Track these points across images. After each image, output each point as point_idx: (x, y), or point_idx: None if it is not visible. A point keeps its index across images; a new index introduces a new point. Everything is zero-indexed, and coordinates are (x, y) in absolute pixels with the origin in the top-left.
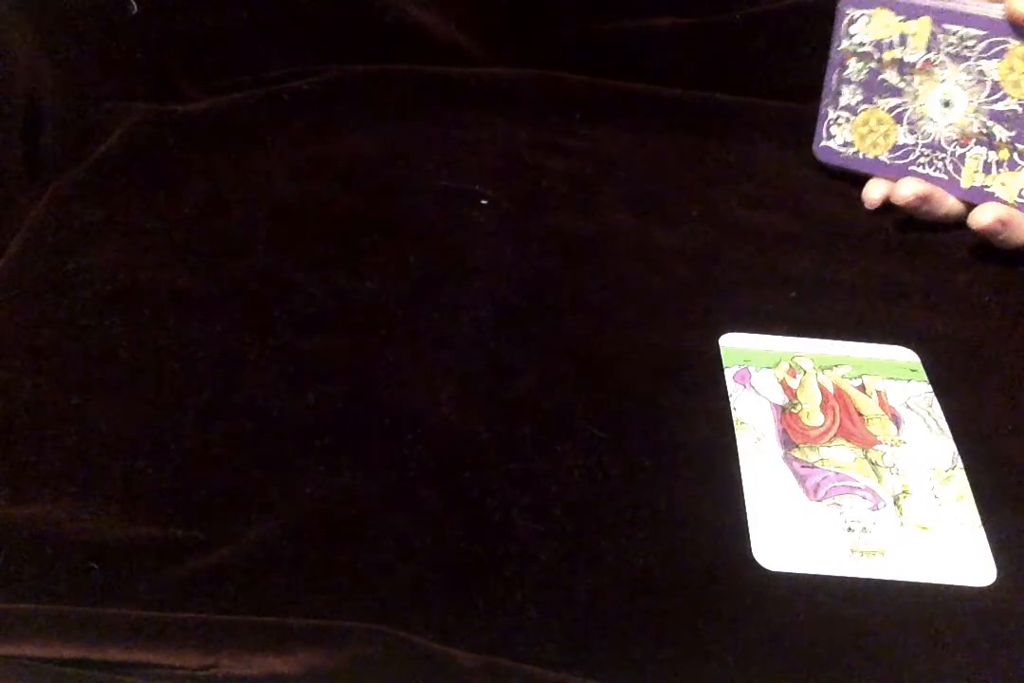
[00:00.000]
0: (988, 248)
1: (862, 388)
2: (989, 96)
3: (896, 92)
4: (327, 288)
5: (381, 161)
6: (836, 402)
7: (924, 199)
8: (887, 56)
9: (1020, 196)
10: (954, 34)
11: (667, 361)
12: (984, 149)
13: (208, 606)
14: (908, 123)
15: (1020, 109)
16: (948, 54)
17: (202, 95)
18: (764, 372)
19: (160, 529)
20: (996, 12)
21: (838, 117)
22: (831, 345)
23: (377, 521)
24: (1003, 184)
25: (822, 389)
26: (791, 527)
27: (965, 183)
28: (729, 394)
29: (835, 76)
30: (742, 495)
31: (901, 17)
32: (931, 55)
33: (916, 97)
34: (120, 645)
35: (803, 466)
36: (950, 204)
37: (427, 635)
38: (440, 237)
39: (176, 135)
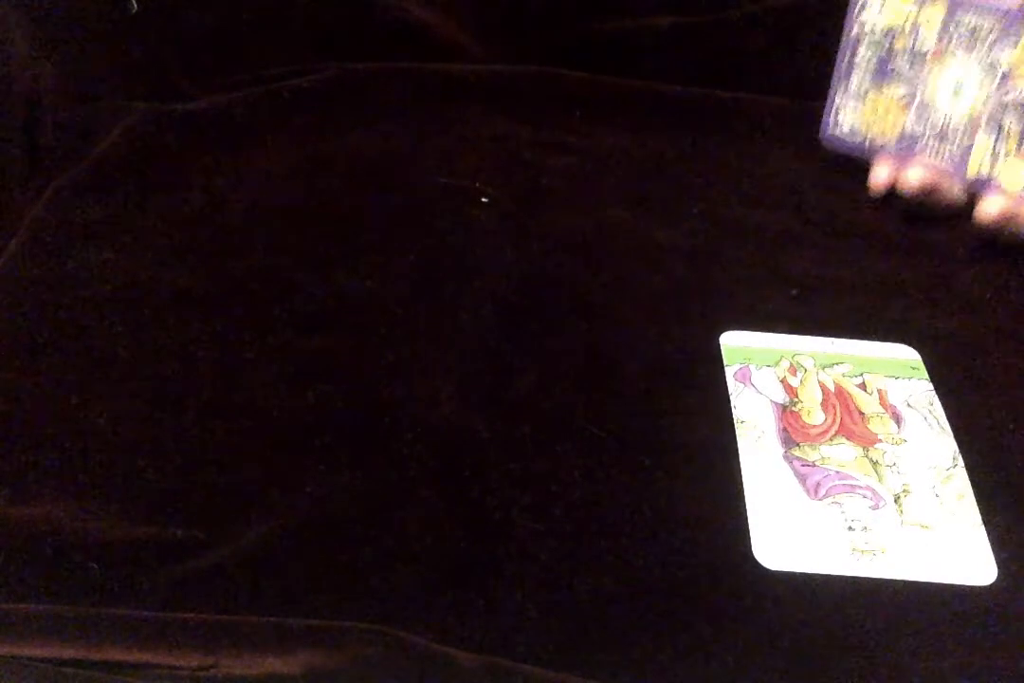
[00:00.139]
0: (989, 246)
1: (863, 386)
2: (999, 86)
3: (906, 80)
4: (327, 287)
5: (381, 159)
6: (837, 400)
7: (929, 188)
8: (898, 43)
9: None
10: (967, 23)
11: (667, 360)
12: (992, 139)
13: (208, 606)
14: (916, 111)
15: None
16: (960, 43)
17: (202, 94)
18: (765, 370)
19: (160, 529)
20: (1011, 2)
21: (846, 104)
22: (832, 343)
23: (377, 521)
24: (1008, 174)
25: (823, 387)
26: (791, 526)
27: (971, 172)
28: (729, 393)
29: (845, 62)
30: (742, 494)
31: (914, 4)
32: (943, 44)
33: (926, 85)
34: (120, 645)
35: (804, 465)
36: (954, 194)
37: (427, 635)
38: (440, 236)
39: (176, 134)
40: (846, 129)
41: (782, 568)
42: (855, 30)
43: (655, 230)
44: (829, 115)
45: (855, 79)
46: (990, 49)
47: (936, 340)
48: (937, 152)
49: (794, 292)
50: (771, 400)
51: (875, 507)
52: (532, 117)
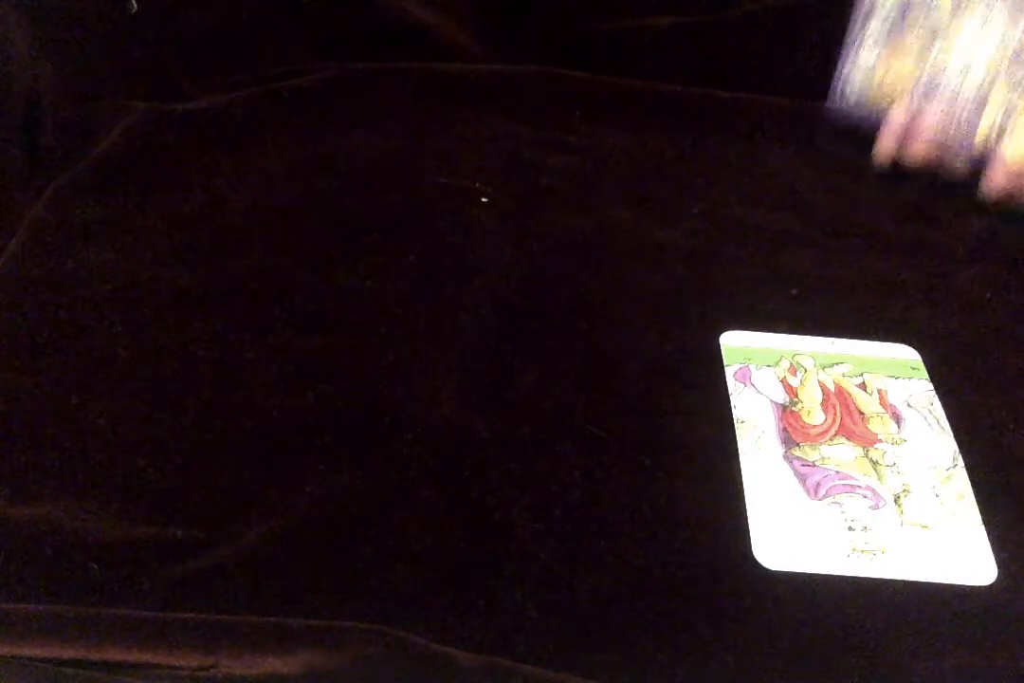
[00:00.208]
0: (989, 246)
1: (863, 386)
2: (1016, 58)
3: (918, 46)
4: (327, 287)
5: (381, 159)
6: (837, 400)
7: (934, 161)
8: (914, 8)
9: None
10: None
11: (667, 360)
12: (1002, 110)
13: (208, 606)
14: (926, 80)
15: None
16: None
17: (202, 93)
18: (765, 370)
19: (160, 529)
20: None
21: (856, 72)
22: (832, 343)
23: (377, 521)
24: (1017, 141)
25: (823, 387)
26: (791, 526)
27: (979, 139)
28: (729, 393)
29: (857, 31)
30: (742, 494)
31: None
32: (959, 8)
33: (939, 52)
34: (120, 645)
35: (803, 465)
36: (960, 163)
37: (427, 635)
38: (440, 236)
39: (176, 134)
40: (855, 98)
41: (782, 568)
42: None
43: (655, 230)
44: (838, 85)
45: (866, 47)
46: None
47: (936, 340)
48: (946, 120)
49: (794, 292)
50: (771, 400)
51: (875, 507)
52: (532, 117)
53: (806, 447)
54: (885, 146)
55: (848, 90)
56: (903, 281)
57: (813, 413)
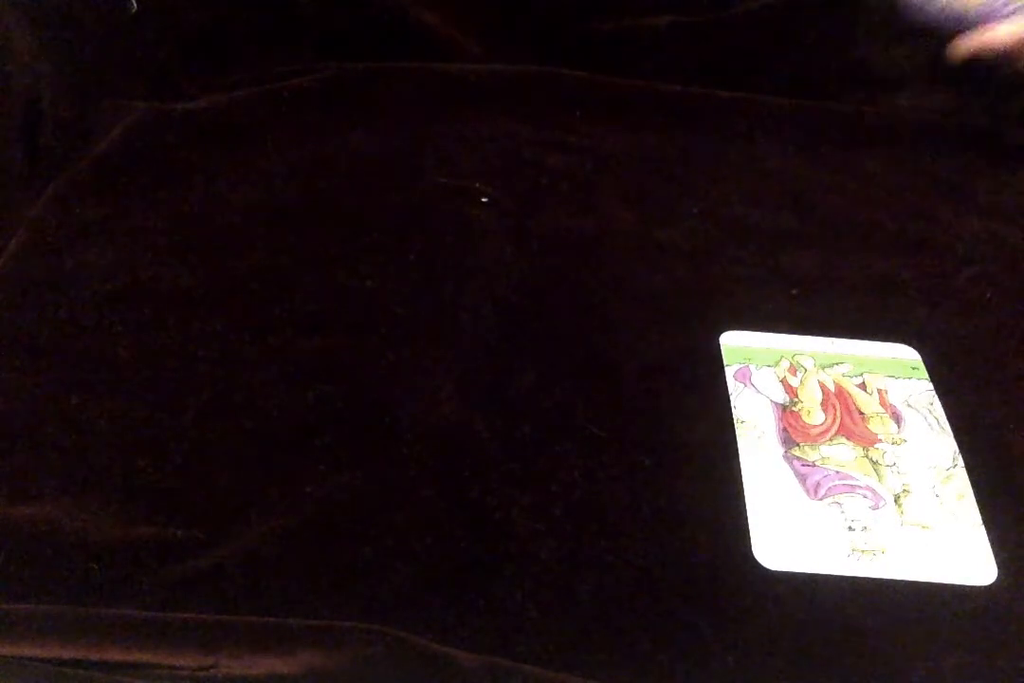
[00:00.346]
0: (989, 246)
1: (863, 386)
2: None
3: None
4: (327, 287)
5: (381, 159)
6: (837, 400)
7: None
8: None
9: None
10: None
11: (667, 360)
12: None
13: (208, 606)
14: None
15: None
16: None
17: (202, 93)
18: (765, 370)
19: (160, 529)
20: None
21: None
22: (832, 343)
23: (377, 521)
24: None
25: (823, 387)
26: (791, 526)
27: None
28: (729, 392)
29: None
30: (742, 494)
31: None
32: None
33: None
34: (120, 645)
35: (803, 465)
36: None
37: (427, 635)
38: (440, 236)
39: (176, 133)
40: None
41: (782, 568)
42: None
43: (655, 229)
44: None
45: None
46: None
47: (936, 340)
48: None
49: (794, 292)
50: (771, 400)
51: (875, 507)
52: (532, 117)
53: (806, 447)
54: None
55: None
56: (903, 281)
57: (813, 413)
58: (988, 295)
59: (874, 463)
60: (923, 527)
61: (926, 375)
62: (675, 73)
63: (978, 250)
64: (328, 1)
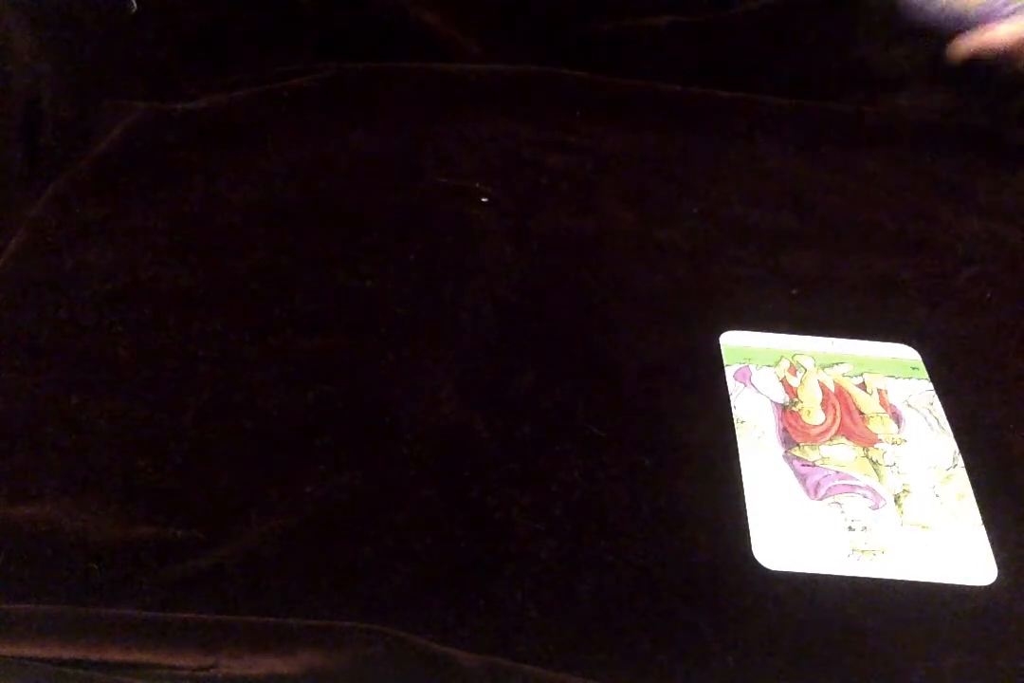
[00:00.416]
0: (989, 246)
1: (863, 386)
2: None
3: None
4: (327, 287)
5: (381, 159)
6: (837, 400)
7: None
8: None
9: None
10: None
11: (667, 360)
12: None
13: (208, 606)
14: None
15: None
16: None
17: (202, 94)
18: (765, 370)
19: (160, 529)
20: None
21: None
22: (832, 343)
23: (377, 521)
24: None
25: (823, 387)
26: (791, 526)
27: None
28: (729, 393)
29: None
30: (742, 494)
31: None
32: None
33: None
34: (120, 645)
35: (803, 465)
36: None
37: (427, 635)
38: (440, 236)
39: (176, 133)
40: None
41: (782, 568)
42: None
43: (655, 229)
44: None
45: None
46: None
47: (936, 340)
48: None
49: (794, 292)
50: (771, 400)
51: (875, 507)
52: (532, 117)
53: (806, 447)
54: (967, 37)
55: None
56: (903, 281)
57: (813, 413)
58: (988, 295)
59: (874, 463)
60: (923, 527)
61: (926, 375)
62: (675, 73)
63: (978, 250)
64: (328, 1)
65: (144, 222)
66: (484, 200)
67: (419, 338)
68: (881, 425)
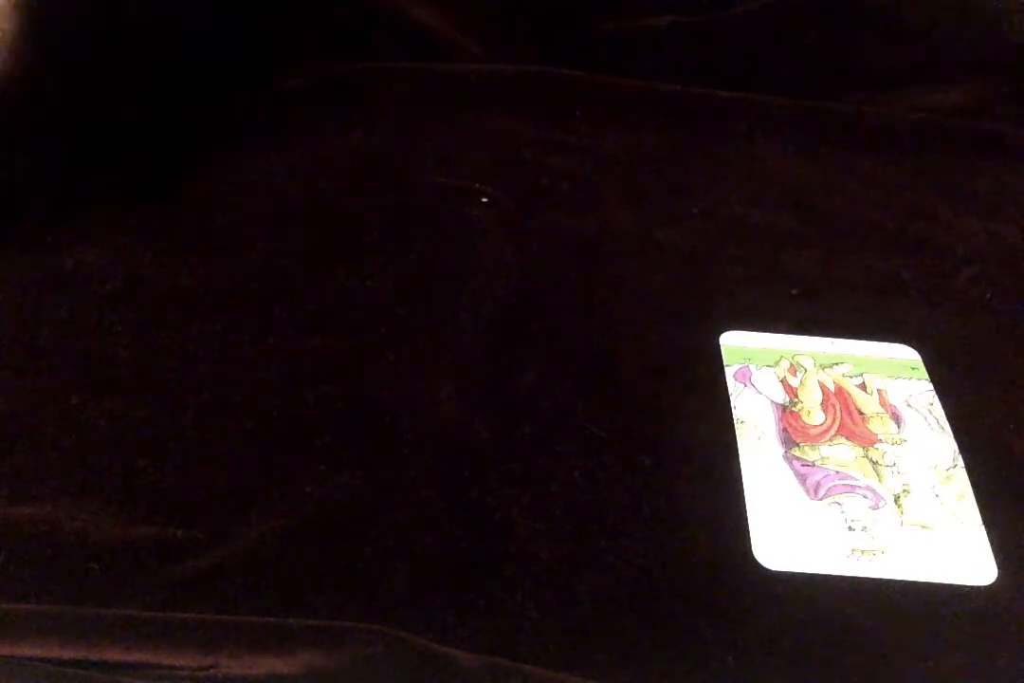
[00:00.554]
0: (989, 246)
1: (863, 386)
2: None
3: None
4: (327, 287)
5: (381, 159)
6: (837, 400)
7: None
8: None
9: None
10: None
11: (667, 360)
12: None
13: (208, 606)
14: None
15: None
16: None
17: (203, 94)
18: (765, 370)
19: (160, 529)
20: None
21: None
22: (832, 343)
23: (377, 521)
24: None
25: (823, 387)
26: (791, 526)
27: None
28: (729, 393)
29: None
30: (742, 494)
31: None
32: None
33: None
34: (120, 645)
35: (803, 465)
36: None
37: (427, 635)
38: (440, 236)
39: (176, 134)
40: None
41: (782, 568)
42: None
43: (655, 229)
44: None
45: None
46: None
47: (936, 340)
48: None
49: (794, 292)
50: (771, 400)
51: (875, 507)
52: (532, 116)
53: (806, 447)
54: None
55: None
56: (903, 281)
57: (813, 413)
58: (988, 295)
59: (874, 463)
60: (923, 527)
61: (926, 375)
62: (675, 73)
63: (978, 250)
64: (328, 1)
65: (144, 222)
66: (484, 200)
67: (419, 338)
68: (881, 425)
